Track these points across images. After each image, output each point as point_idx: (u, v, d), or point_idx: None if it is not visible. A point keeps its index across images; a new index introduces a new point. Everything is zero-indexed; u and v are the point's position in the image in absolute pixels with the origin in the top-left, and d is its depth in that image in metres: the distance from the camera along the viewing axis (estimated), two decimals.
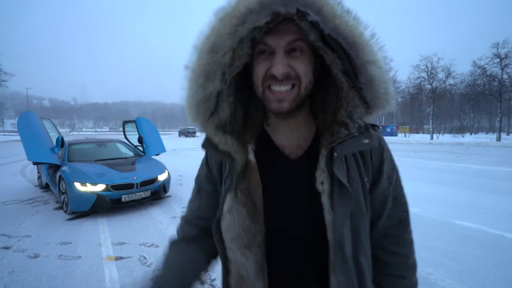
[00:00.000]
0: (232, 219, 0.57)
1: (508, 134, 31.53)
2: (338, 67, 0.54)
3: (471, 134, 43.19)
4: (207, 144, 0.61)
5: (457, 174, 7.47)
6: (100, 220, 4.10)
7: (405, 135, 38.44)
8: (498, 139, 24.49)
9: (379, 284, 0.66)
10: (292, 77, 0.53)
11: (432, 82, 30.61)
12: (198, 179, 0.73)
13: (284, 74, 0.52)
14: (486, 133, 45.21)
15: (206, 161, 0.70)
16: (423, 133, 46.17)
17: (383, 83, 0.53)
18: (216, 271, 2.41)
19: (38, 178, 6.52)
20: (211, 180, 0.69)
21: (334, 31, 0.49)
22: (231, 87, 0.59)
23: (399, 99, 41.51)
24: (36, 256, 2.94)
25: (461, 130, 42.64)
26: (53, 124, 6.54)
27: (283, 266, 0.59)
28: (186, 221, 0.73)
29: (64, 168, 4.67)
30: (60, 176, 4.58)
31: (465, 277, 2.44)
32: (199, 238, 0.69)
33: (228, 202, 0.58)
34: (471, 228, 3.54)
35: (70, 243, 3.29)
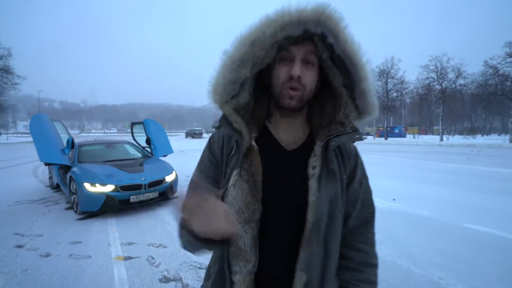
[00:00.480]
0: (236, 193, 0.66)
1: None
2: (339, 81, 0.70)
3: (482, 135, 42.17)
4: (223, 121, 0.71)
5: (468, 177, 7.30)
6: (110, 220, 4.17)
7: (414, 136, 37.83)
8: (511, 140, 23.85)
9: (342, 278, 0.74)
10: (301, 83, 0.66)
11: (442, 82, 30.04)
12: (201, 164, 0.79)
13: (298, 76, 0.65)
14: (499, 135, 44.09)
15: (209, 148, 0.78)
16: (433, 134, 45.33)
17: (372, 96, 0.70)
18: None
19: (49, 178, 6.66)
20: (214, 164, 0.76)
21: (343, 53, 0.65)
22: (253, 80, 0.71)
23: (407, 100, 40.88)
24: (47, 255, 3.00)
25: (472, 131, 41.72)
26: (64, 125, 6.68)
27: (270, 242, 0.68)
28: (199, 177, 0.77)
29: (74, 169, 4.77)
30: (70, 176, 4.68)
31: (477, 282, 2.38)
32: None
33: (233, 177, 0.67)
34: (484, 232, 3.45)
35: (81, 242, 3.35)
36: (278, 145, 0.74)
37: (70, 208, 4.76)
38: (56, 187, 6.19)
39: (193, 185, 0.65)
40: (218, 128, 0.77)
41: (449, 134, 42.33)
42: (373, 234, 0.78)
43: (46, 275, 2.59)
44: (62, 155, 4.87)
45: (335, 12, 0.63)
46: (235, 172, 0.68)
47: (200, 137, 42.13)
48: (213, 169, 0.76)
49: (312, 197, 0.66)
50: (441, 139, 28.72)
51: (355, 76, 0.67)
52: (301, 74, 0.66)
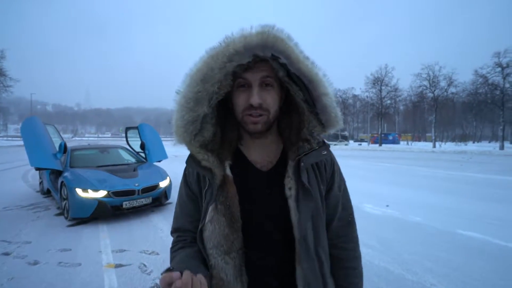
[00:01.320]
0: (213, 228, 0.67)
1: (511, 143, 31.28)
2: (300, 97, 0.70)
3: (473, 142, 42.98)
4: (191, 161, 0.73)
5: (460, 183, 7.40)
6: (101, 227, 4.08)
7: (408, 143, 38.32)
8: (502, 147, 24.35)
9: (336, 277, 0.79)
10: (263, 108, 0.67)
11: (434, 90, 30.69)
12: (179, 197, 0.81)
13: (259, 103, 0.66)
14: (489, 142, 44.99)
15: (185, 180, 0.79)
16: (426, 141, 46.01)
17: (333, 108, 0.71)
18: None
19: (40, 183, 6.53)
20: (191, 197, 0.77)
21: (298, 71, 0.65)
22: (214, 111, 0.71)
23: (401, 107, 41.54)
24: (35, 263, 2.92)
25: (463, 138, 42.51)
26: (56, 129, 6.58)
27: (259, 267, 0.69)
28: (178, 231, 0.79)
29: (66, 174, 4.68)
30: (62, 182, 4.59)
31: None
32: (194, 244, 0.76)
33: (210, 213, 0.68)
34: (476, 239, 3.49)
35: (70, 250, 3.27)
36: (253, 168, 0.74)
37: (61, 214, 4.65)
38: (46, 193, 6.06)
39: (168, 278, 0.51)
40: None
41: (442, 141, 43.01)
42: (355, 232, 0.83)
43: (33, 283, 2.51)
44: (53, 159, 4.79)
45: (281, 33, 0.63)
46: (210, 208, 0.68)
47: None
48: (190, 206, 0.77)
49: (294, 217, 0.67)
50: (434, 146, 29.17)
51: (314, 91, 0.68)
52: (261, 100, 0.66)
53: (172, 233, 0.81)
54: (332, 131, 0.75)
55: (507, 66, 24.98)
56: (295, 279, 0.67)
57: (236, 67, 0.64)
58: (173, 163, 9.75)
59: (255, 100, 0.65)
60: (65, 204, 4.42)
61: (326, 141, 0.77)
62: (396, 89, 34.25)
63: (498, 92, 26.14)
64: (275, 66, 0.66)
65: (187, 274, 0.52)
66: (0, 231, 3.82)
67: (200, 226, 0.70)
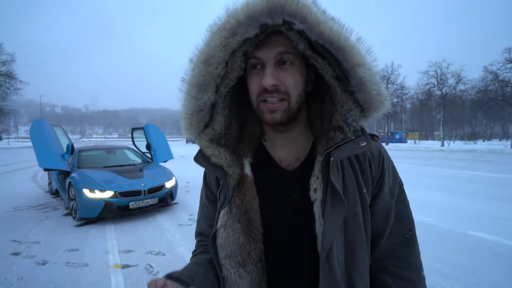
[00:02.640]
0: (226, 235, 0.57)
1: None
2: (329, 73, 0.55)
3: (483, 140, 42.11)
4: (200, 157, 0.62)
5: (470, 182, 7.24)
6: (108, 227, 4.12)
7: (415, 142, 37.78)
8: None
9: None
10: (281, 91, 0.54)
11: (442, 88, 30.12)
12: (200, 199, 0.73)
13: (273, 86, 0.53)
14: (500, 140, 44.00)
15: (205, 180, 0.70)
16: (433, 139, 45.30)
17: (374, 84, 0.54)
18: None
19: (49, 184, 6.63)
20: (211, 199, 0.68)
21: (320, 37, 0.50)
22: (226, 100, 0.61)
23: (408, 105, 40.96)
24: (44, 263, 2.95)
25: (473, 136, 41.66)
26: (64, 131, 6.67)
27: (282, 284, 0.57)
28: (200, 235, 0.73)
29: (73, 174, 4.74)
30: (69, 182, 4.65)
31: None
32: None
33: (222, 217, 0.58)
34: (487, 240, 3.39)
35: (78, 250, 3.30)
36: (276, 167, 0.62)
37: (69, 214, 4.71)
38: (55, 193, 6.15)
39: None
40: None
41: (450, 140, 42.25)
42: (415, 255, 0.63)
43: (42, 283, 2.54)
44: (61, 160, 4.85)
45: None
46: (223, 212, 0.58)
47: None
48: (210, 208, 0.68)
49: (319, 227, 0.54)
50: (442, 145, 28.64)
51: (345, 62, 0.52)
52: (278, 81, 0.53)
53: (195, 237, 0.74)
54: (375, 115, 0.57)
55: None
56: None
57: (245, 45, 0.53)
58: (179, 164, 9.84)
59: (267, 81, 0.52)
60: (73, 204, 4.47)
61: (372, 134, 0.62)
62: (402, 87, 33.75)
63: (509, 89, 25.50)
64: (292, 37, 0.52)
65: (170, 285, 0.48)
66: (11, 231, 3.88)
67: (212, 232, 0.60)
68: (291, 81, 0.55)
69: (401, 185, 0.65)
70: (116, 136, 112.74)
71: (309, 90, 0.60)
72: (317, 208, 0.55)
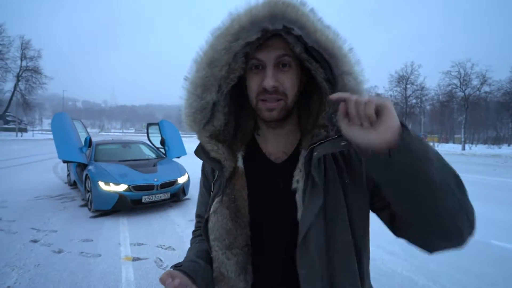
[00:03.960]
0: (216, 220, 0.63)
1: None
2: (321, 76, 0.60)
3: (509, 145, 39.89)
4: (200, 151, 0.67)
5: (493, 189, 6.87)
6: (121, 220, 4.22)
7: (434, 145, 36.42)
8: None
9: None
10: (280, 92, 0.59)
11: (465, 89, 28.74)
12: (200, 187, 0.81)
13: (273, 87, 0.58)
14: None
15: (202, 170, 0.77)
16: (454, 143, 43.43)
17: (357, 92, 0.57)
18: None
19: (68, 175, 6.90)
20: (207, 187, 0.75)
21: (316, 43, 0.55)
22: (226, 98, 0.66)
23: (427, 107, 39.47)
24: (60, 251, 3.06)
25: (497, 140, 39.55)
26: (83, 124, 6.91)
27: (266, 267, 0.63)
28: (198, 217, 0.82)
29: (90, 167, 4.89)
30: (86, 174, 4.80)
31: None
32: None
33: (214, 205, 0.64)
34: (507, 249, 3.19)
35: (92, 240, 3.40)
36: (266, 160, 0.68)
37: (85, 205, 4.88)
38: (73, 184, 6.39)
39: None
40: None
41: (472, 143, 40.33)
42: None
43: (57, 271, 2.63)
44: (79, 153, 5.02)
45: None
46: (216, 200, 0.64)
47: None
48: (206, 196, 0.75)
49: (299, 213, 0.59)
50: (463, 148, 27.42)
51: (335, 69, 0.57)
52: (277, 83, 0.58)
53: (195, 217, 0.83)
54: None
55: None
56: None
57: (247, 47, 0.57)
58: (192, 160, 9.96)
59: (268, 82, 0.57)
60: (89, 196, 4.61)
61: None
62: (422, 88, 32.52)
63: None
64: (290, 41, 0.57)
65: (181, 277, 0.57)
66: (31, 219, 4.07)
67: (205, 216, 0.66)
68: (289, 83, 0.60)
69: None
70: (133, 131, 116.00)
71: (301, 90, 0.65)
72: (299, 197, 0.60)
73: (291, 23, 0.54)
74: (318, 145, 0.59)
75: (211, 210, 0.64)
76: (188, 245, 0.80)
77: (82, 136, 5.80)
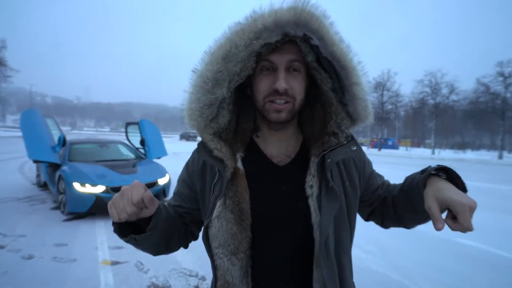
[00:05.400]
0: (220, 225, 0.61)
1: (510, 152, 31.37)
2: (328, 85, 0.63)
3: (472, 150, 43.08)
4: (202, 149, 0.66)
5: None
6: (98, 223, 4.04)
7: (406, 149, 38.38)
8: (500, 157, 24.39)
9: (398, 196, 0.73)
10: (289, 95, 0.61)
11: (436, 97, 30.70)
12: (178, 182, 0.78)
13: (285, 89, 0.59)
14: (488, 151, 45.15)
15: (187, 167, 0.75)
16: (425, 147, 46.12)
17: (364, 101, 0.63)
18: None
19: (37, 176, 6.46)
20: (187, 185, 0.73)
21: (331, 55, 0.58)
22: (232, 96, 0.65)
23: (402, 113, 41.60)
24: (30, 257, 2.86)
25: (462, 146, 42.57)
26: (56, 122, 6.52)
27: (267, 270, 0.63)
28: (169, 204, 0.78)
29: (64, 167, 4.63)
30: (59, 175, 4.54)
31: None
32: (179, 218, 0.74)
33: (217, 208, 0.62)
34: (476, 248, 3.46)
35: (66, 245, 3.22)
36: (268, 162, 0.68)
37: (57, 208, 4.60)
38: (43, 186, 6.00)
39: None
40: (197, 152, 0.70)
41: (441, 148, 43.10)
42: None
43: (27, 278, 2.46)
44: (52, 152, 4.73)
45: (318, 9, 0.55)
46: (219, 203, 0.62)
47: (195, 140, 41.93)
48: (186, 190, 0.74)
49: (315, 218, 0.61)
50: (433, 153, 29.19)
51: (345, 80, 0.60)
52: (288, 86, 0.60)
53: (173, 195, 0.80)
54: (361, 125, 0.67)
55: (509, 76, 25.02)
56: (309, 282, 0.61)
57: (262, 47, 0.57)
58: (172, 161, 9.68)
59: (281, 84, 0.58)
60: (62, 198, 4.36)
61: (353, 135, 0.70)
62: (397, 95, 34.29)
63: (499, 101, 26.15)
64: (304, 50, 0.59)
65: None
66: None
67: (206, 222, 0.63)
68: (298, 87, 0.62)
69: (371, 164, 0.82)
70: (108, 130, 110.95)
71: (305, 95, 0.67)
72: (312, 202, 0.62)
73: (312, 33, 0.55)
74: (329, 151, 0.62)
75: (214, 215, 0.62)
76: None
77: (55, 135, 5.48)
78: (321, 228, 0.59)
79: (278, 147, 0.69)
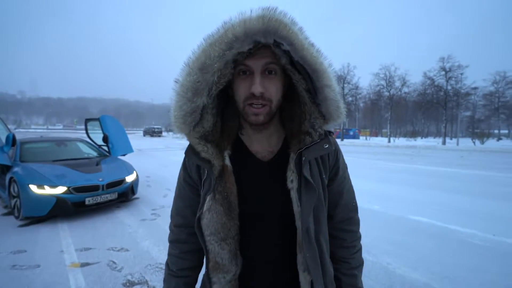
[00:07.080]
0: (211, 217, 0.68)
1: (451, 139, 35.48)
2: (302, 86, 0.67)
3: (421, 138, 47.75)
4: (190, 152, 0.71)
5: (411, 174, 8.25)
6: (61, 225, 3.79)
7: (366, 138, 41.21)
8: (444, 143, 27.47)
9: (337, 255, 0.82)
10: (265, 98, 0.64)
11: (390, 89, 33.32)
12: (178, 184, 0.81)
13: (261, 92, 0.62)
14: (434, 137, 50.47)
15: (184, 166, 0.78)
16: (382, 136, 49.91)
17: (335, 101, 0.69)
18: None
19: None
20: (189, 183, 0.77)
21: (301, 59, 0.62)
22: (215, 101, 0.70)
23: (361, 104, 44.36)
24: None
25: (413, 134, 47.04)
26: (2, 121, 5.84)
27: (253, 252, 0.72)
28: (175, 225, 0.82)
29: (16, 169, 4.22)
30: (11, 178, 4.13)
31: (418, 264, 2.74)
32: (188, 239, 0.80)
33: (207, 203, 0.68)
34: (423, 222, 3.97)
35: (25, 251, 3.00)
36: (253, 158, 0.73)
37: (10, 213, 4.21)
38: None
39: None
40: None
41: (395, 137, 47.06)
42: (357, 215, 0.86)
43: None
44: (0, 153, 4.28)
45: (285, 16, 0.58)
46: (208, 198, 0.68)
47: (160, 136, 40.19)
48: (188, 192, 0.78)
49: (296, 208, 0.67)
50: (389, 141, 31.81)
51: (317, 82, 0.65)
52: (264, 89, 0.63)
53: (173, 227, 0.82)
54: (334, 124, 0.72)
55: (450, 70, 28.08)
56: (293, 264, 0.70)
57: (238, 55, 0.61)
58: (138, 158, 9.32)
59: (257, 88, 0.62)
60: (16, 202, 4.00)
61: (329, 131, 0.75)
62: (357, 87, 36.51)
63: (442, 93, 29.30)
64: (278, 53, 0.62)
65: None
66: None
67: (198, 214, 0.70)
68: (274, 89, 0.65)
69: (346, 168, 0.84)
70: (61, 127, 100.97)
71: (284, 92, 0.71)
72: (294, 194, 0.68)
73: (282, 39, 0.58)
74: (304, 149, 0.69)
75: (205, 208, 0.68)
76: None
77: (2, 134, 4.93)
78: (302, 217, 0.66)
79: (262, 143, 0.74)
